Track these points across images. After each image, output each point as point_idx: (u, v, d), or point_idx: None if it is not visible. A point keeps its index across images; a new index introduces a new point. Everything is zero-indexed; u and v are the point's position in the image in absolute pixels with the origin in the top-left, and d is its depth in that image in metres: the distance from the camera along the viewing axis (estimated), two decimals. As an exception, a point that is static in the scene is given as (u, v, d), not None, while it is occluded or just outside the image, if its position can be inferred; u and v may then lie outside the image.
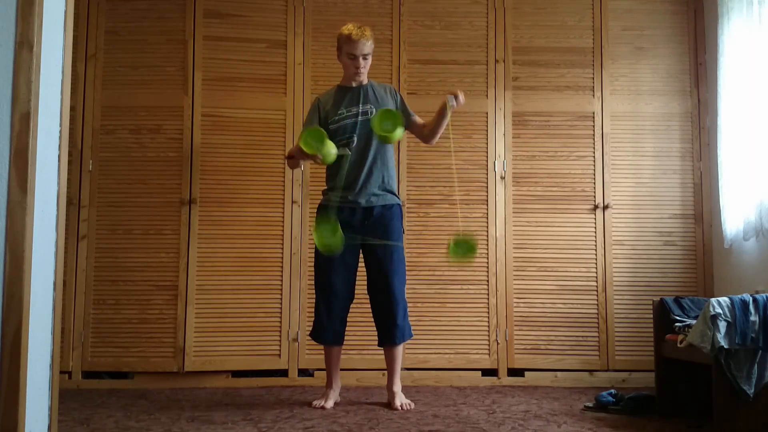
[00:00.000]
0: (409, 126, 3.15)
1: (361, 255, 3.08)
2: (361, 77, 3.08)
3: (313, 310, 3.57)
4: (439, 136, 3.11)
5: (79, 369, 3.51)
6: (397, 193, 3.12)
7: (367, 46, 3.04)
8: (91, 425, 2.61)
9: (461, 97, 2.95)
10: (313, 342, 3.50)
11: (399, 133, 2.86)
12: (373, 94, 3.10)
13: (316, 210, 3.14)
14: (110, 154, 3.65)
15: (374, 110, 3.04)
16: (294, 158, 3.15)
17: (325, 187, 3.14)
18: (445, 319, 3.67)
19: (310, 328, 3.13)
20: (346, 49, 3.04)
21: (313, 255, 3.61)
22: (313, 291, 3.61)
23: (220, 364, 3.57)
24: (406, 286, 3.62)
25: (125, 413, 2.84)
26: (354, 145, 3.02)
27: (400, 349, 3.07)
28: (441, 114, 3.01)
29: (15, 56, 1.70)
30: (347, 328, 3.11)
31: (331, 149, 2.86)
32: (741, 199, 3.35)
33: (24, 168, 1.67)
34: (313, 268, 3.61)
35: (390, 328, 3.00)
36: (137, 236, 3.60)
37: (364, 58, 3.05)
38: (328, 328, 3.03)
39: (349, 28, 3.05)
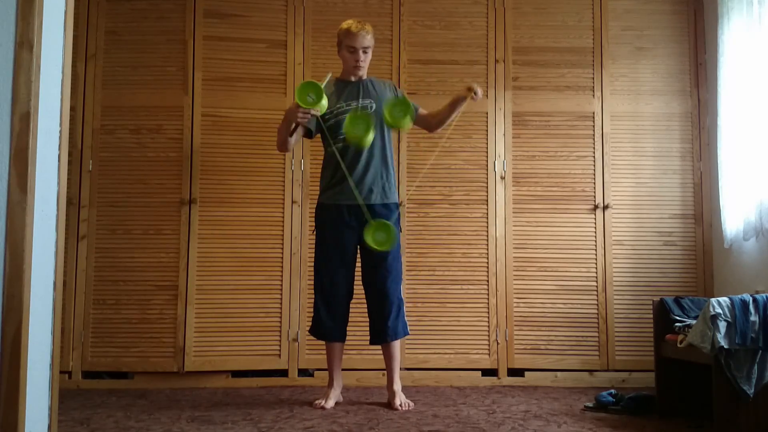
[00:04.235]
0: (415, 118, 3.15)
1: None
2: (360, 71, 3.07)
3: (313, 309, 3.59)
4: (445, 126, 3.12)
5: (79, 369, 3.51)
6: (396, 191, 3.11)
7: (367, 39, 3.03)
8: (91, 425, 2.61)
9: (480, 92, 2.97)
10: (313, 342, 3.51)
11: (408, 121, 2.88)
12: (373, 89, 3.09)
13: (314, 210, 3.13)
14: (110, 154, 3.65)
15: (374, 105, 3.04)
16: (285, 133, 2.99)
17: (321, 186, 3.11)
18: (445, 319, 3.67)
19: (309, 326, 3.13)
20: (346, 42, 3.04)
21: (312, 255, 3.63)
22: (313, 291, 3.62)
23: (220, 364, 3.57)
24: (407, 286, 3.65)
25: (125, 413, 2.84)
26: None
27: (396, 348, 3.05)
28: (453, 106, 3.03)
29: (15, 56, 1.70)
30: (347, 328, 3.11)
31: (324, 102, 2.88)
32: (741, 199, 3.35)
33: (24, 168, 1.67)
34: (313, 268, 3.64)
35: (381, 327, 3.00)
36: (137, 236, 3.60)
37: (364, 52, 3.04)
38: (327, 325, 3.03)
39: (348, 22, 3.06)
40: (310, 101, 2.83)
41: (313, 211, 3.65)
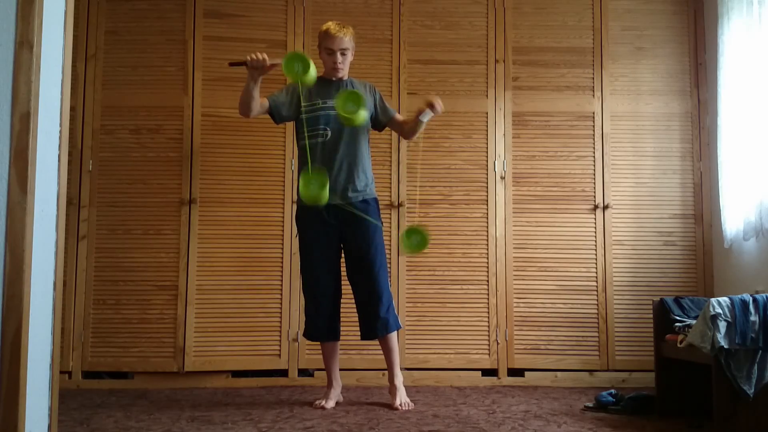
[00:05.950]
0: (390, 123, 3.17)
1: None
2: (339, 73, 3.08)
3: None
4: (418, 135, 3.14)
5: (79, 369, 3.52)
6: (372, 188, 3.10)
7: (345, 41, 3.04)
8: (91, 425, 2.61)
9: (438, 105, 2.97)
10: (312, 342, 3.51)
11: (363, 115, 2.84)
12: (353, 89, 3.10)
13: (296, 211, 3.13)
14: (110, 154, 3.65)
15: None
16: (248, 91, 2.93)
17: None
18: (445, 319, 3.67)
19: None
20: (324, 44, 3.05)
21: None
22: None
23: (220, 364, 3.57)
24: (407, 286, 3.65)
25: (125, 413, 2.84)
26: (328, 138, 3.00)
27: (394, 340, 3.04)
28: (418, 117, 3.03)
29: (15, 56, 1.70)
30: (346, 328, 3.12)
31: (313, 73, 2.81)
32: (741, 199, 3.35)
33: (24, 168, 1.67)
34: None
35: (372, 320, 2.99)
36: (137, 236, 3.60)
37: (342, 54, 3.05)
38: (318, 325, 3.04)
39: (328, 24, 3.07)
40: (297, 71, 2.79)
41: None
